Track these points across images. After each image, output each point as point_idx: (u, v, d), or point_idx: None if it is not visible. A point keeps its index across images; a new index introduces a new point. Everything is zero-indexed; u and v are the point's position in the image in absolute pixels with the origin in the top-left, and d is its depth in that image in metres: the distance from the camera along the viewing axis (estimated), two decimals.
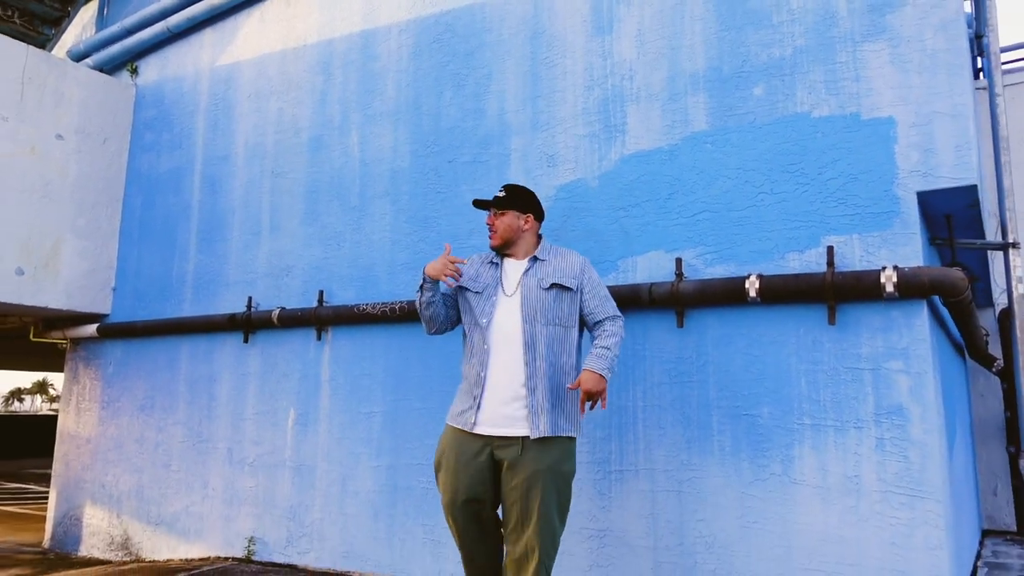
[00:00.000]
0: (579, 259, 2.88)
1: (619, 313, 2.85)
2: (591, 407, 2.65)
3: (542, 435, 2.61)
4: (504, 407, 2.64)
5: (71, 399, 6.13)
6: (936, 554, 2.77)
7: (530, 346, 2.66)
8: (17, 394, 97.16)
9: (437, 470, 2.77)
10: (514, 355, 2.66)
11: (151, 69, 6.14)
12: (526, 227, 2.90)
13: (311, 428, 4.53)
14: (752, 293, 3.12)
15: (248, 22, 5.55)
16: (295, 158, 4.96)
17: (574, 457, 2.74)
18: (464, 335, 2.90)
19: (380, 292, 4.35)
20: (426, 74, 4.45)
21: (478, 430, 2.65)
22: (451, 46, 4.37)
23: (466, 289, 2.85)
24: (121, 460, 5.58)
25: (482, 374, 2.68)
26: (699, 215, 3.43)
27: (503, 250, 2.88)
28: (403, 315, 4.06)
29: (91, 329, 5.90)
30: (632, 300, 3.44)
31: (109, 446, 5.69)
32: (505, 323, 2.70)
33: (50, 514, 6.07)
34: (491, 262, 2.90)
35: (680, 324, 3.39)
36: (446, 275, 2.72)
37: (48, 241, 5.56)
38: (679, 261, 3.41)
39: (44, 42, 7.57)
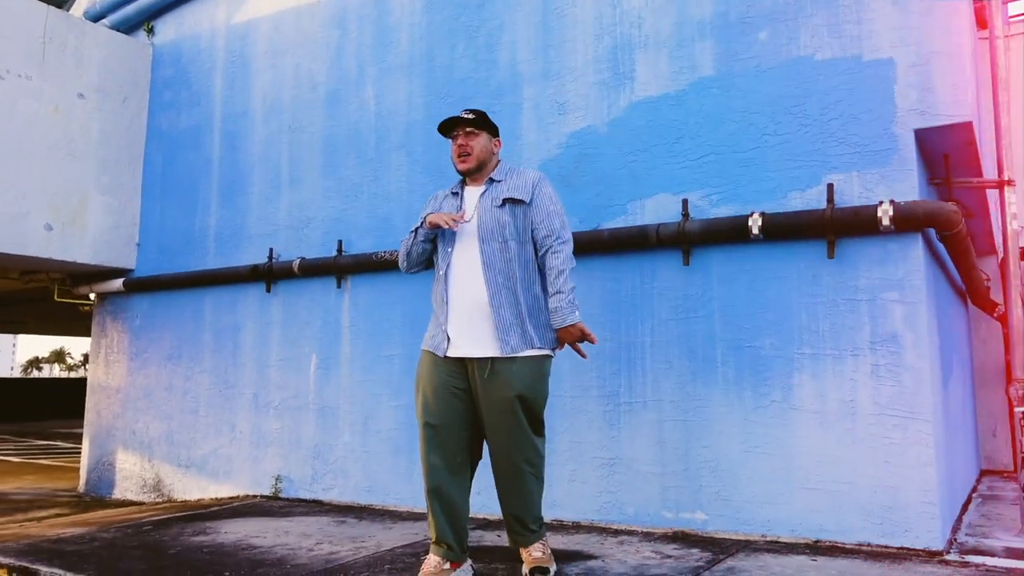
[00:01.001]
0: (534, 174, 2.84)
1: (563, 233, 2.74)
2: (583, 349, 2.77)
3: (512, 353, 2.65)
4: (470, 329, 2.69)
5: (100, 352, 6.37)
6: (926, 471, 2.95)
7: (489, 265, 2.69)
8: (35, 363, 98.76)
9: (416, 394, 2.80)
10: (475, 277, 2.70)
11: (167, 28, 6.24)
12: (496, 149, 2.94)
13: (333, 372, 4.74)
14: (755, 230, 3.26)
15: None
16: (312, 113, 5.09)
17: (546, 377, 2.73)
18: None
19: (397, 241, 4.51)
20: (439, 26, 4.55)
21: (450, 353, 2.70)
22: None
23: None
24: (151, 408, 5.83)
25: (446, 299, 2.74)
26: (705, 158, 3.56)
27: (474, 173, 2.86)
28: None
29: (117, 284, 6.10)
30: (640, 241, 3.59)
31: (139, 395, 5.94)
32: (465, 247, 2.74)
33: (84, 461, 6.35)
34: (452, 192, 2.93)
35: (686, 263, 3.54)
36: (446, 224, 2.70)
37: (74, 198, 5.74)
38: (685, 202, 3.55)
39: (61, 2, 7.65)
